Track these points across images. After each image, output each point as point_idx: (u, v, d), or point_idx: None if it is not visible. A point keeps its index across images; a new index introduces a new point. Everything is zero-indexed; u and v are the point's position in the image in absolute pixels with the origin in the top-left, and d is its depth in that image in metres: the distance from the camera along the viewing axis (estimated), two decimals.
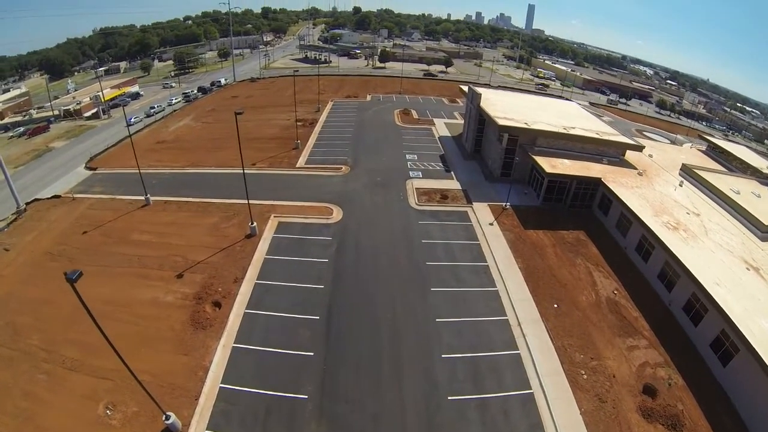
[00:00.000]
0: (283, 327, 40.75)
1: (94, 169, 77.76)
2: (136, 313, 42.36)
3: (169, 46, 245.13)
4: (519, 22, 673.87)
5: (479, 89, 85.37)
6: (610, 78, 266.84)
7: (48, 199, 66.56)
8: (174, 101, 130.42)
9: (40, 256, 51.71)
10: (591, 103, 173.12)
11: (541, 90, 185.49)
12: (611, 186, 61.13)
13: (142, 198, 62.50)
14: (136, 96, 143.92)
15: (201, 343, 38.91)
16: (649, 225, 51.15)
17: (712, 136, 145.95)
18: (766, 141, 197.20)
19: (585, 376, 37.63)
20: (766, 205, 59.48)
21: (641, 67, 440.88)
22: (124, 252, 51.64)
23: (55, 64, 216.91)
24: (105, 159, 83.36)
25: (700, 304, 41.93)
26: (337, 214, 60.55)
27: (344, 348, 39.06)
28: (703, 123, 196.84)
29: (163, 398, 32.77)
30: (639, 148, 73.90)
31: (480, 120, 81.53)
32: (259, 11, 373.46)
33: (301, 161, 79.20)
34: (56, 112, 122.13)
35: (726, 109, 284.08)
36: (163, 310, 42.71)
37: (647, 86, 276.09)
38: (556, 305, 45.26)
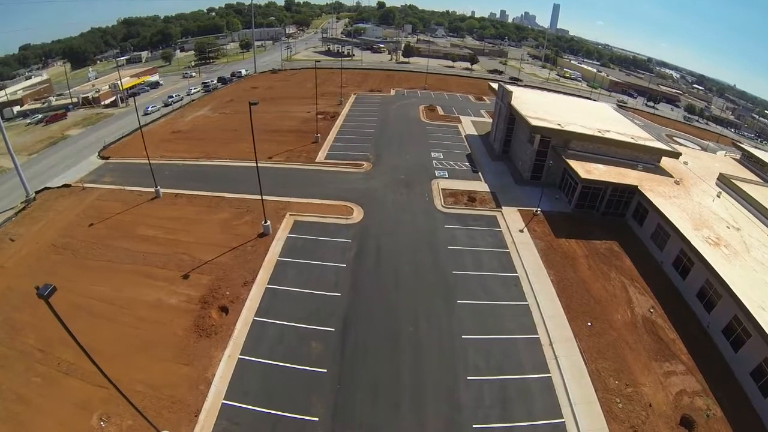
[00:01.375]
0: (295, 338, 37.38)
1: (107, 158, 75.49)
2: (137, 315, 39.53)
3: (191, 36, 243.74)
4: (543, 21, 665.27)
5: (510, 87, 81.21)
6: (637, 81, 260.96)
7: (58, 188, 64.37)
8: (193, 91, 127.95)
9: (45, 248, 49.35)
10: (619, 106, 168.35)
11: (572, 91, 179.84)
12: (649, 195, 57.52)
13: (152, 190, 59.81)
14: (155, 85, 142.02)
15: (204, 353, 35.77)
16: (690, 240, 47.55)
17: (746, 144, 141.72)
18: None
19: (620, 405, 34.41)
20: None
21: (667, 70, 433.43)
22: (129, 247, 48.91)
23: (78, 52, 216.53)
24: (119, 148, 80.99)
25: (742, 329, 38.59)
26: (357, 215, 57.08)
27: (361, 365, 35.57)
28: (732, 130, 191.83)
29: (161, 412, 30.31)
30: (676, 155, 69.81)
31: (510, 119, 77.72)
32: (282, 4, 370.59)
33: (320, 156, 75.82)
34: (74, 100, 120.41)
35: (755, 116, 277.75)
36: (166, 314, 39.66)
37: (675, 90, 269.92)
38: (590, 323, 41.94)
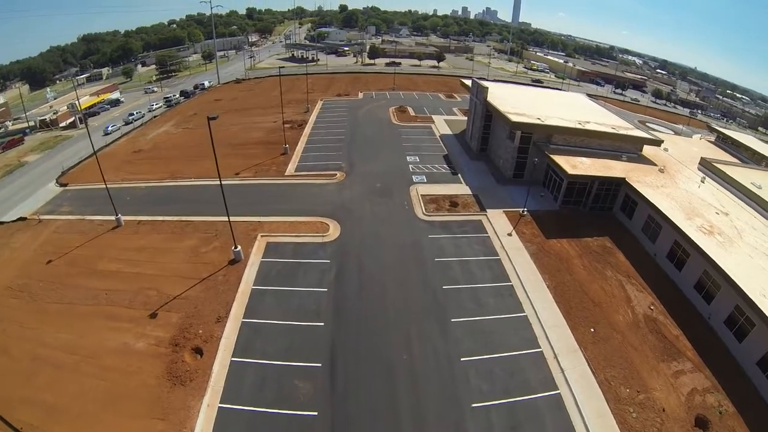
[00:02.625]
0: (278, 379, 33.61)
1: (66, 185, 70.53)
2: (103, 364, 35.21)
3: (152, 50, 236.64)
4: (505, 15, 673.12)
5: (485, 83, 78.31)
6: (603, 69, 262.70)
7: (13, 222, 59.32)
8: (155, 106, 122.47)
9: (1, 292, 44.62)
10: (588, 95, 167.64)
11: (538, 84, 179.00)
12: (637, 186, 55.89)
13: (113, 218, 55.25)
14: (116, 103, 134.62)
15: (181, 403, 31.77)
16: (684, 231, 46.41)
17: (715, 124, 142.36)
18: (760, 128, 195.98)
19: (634, 415, 32.63)
20: None
21: (630, 57, 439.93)
22: (90, 285, 44.38)
23: (37, 72, 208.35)
24: (78, 173, 75.73)
25: (745, 318, 37.80)
26: (334, 231, 53.32)
27: (354, 403, 32.06)
28: (699, 111, 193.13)
29: None
30: (658, 143, 68.75)
31: (486, 116, 75.04)
32: (244, 12, 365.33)
33: (290, 168, 71.76)
34: (32, 123, 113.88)
35: (719, 96, 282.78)
36: (134, 361, 35.45)
37: (640, 76, 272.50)
38: (592, 329, 39.91)
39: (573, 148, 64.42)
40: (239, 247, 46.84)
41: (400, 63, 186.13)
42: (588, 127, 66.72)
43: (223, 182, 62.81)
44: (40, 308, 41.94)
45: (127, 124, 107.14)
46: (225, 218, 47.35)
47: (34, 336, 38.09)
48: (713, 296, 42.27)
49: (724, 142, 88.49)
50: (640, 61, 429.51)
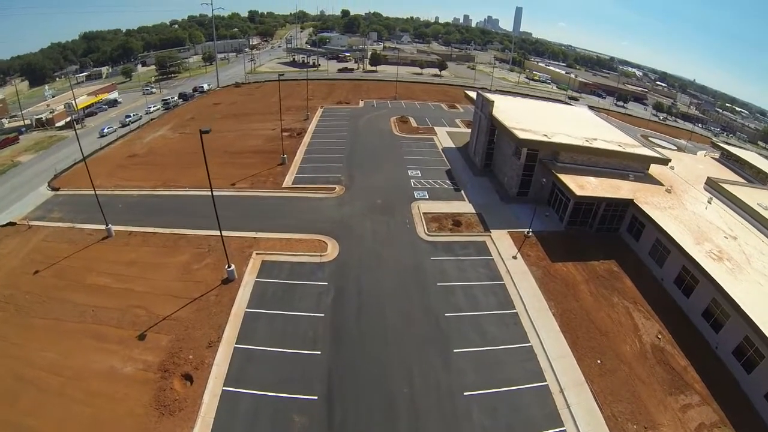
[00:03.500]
0: (273, 412, 31.67)
1: (57, 189, 68.48)
2: (88, 388, 33.29)
3: (153, 50, 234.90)
4: (506, 24, 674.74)
5: (490, 96, 76.34)
6: (604, 80, 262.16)
7: (2, 226, 57.38)
8: (152, 109, 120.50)
9: None
10: (591, 107, 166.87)
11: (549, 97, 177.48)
12: (645, 208, 54.45)
13: (104, 228, 53.22)
14: (113, 103, 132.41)
15: None
16: (694, 257, 44.99)
17: (716, 139, 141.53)
18: (759, 142, 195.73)
19: None
20: None
21: (630, 68, 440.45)
22: (78, 300, 42.40)
23: (37, 69, 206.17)
24: (71, 176, 73.69)
25: (755, 350, 36.86)
26: (332, 250, 51.11)
27: None
28: (699, 125, 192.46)
29: None
30: (665, 162, 67.18)
31: (491, 131, 73.16)
32: (246, 15, 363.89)
33: (287, 180, 69.48)
34: (27, 122, 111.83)
35: (718, 110, 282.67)
36: (121, 387, 33.47)
37: (641, 88, 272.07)
38: (599, 360, 38.35)
39: (580, 166, 62.83)
40: (233, 267, 44.73)
41: (352, 70, 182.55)
42: (595, 144, 65.14)
43: (218, 193, 60.98)
44: (26, 323, 40.07)
45: (123, 126, 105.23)
46: (219, 233, 45.38)
47: (19, 353, 36.35)
48: (722, 325, 40.97)
49: (728, 159, 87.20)
50: (640, 73, 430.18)
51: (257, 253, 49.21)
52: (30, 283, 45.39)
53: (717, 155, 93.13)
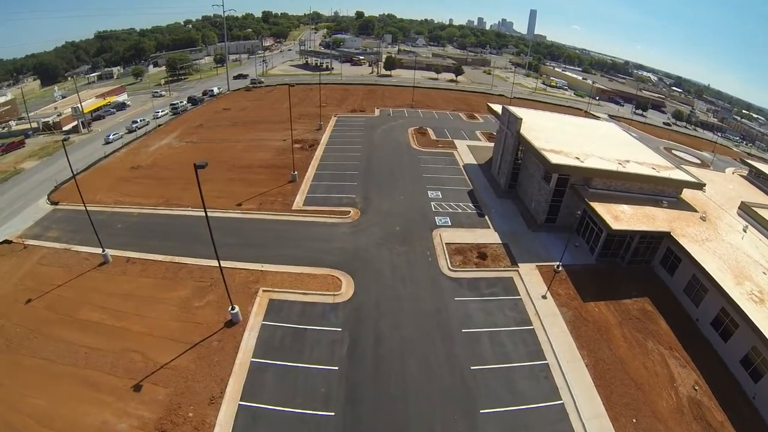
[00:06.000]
0: None
1: (57, 203, 65.40)
2: None
3: (165, 50, 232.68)
4: (520, 27, 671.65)
5: (518, 112, 71.50)
6: (621, 86, 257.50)
7: None
8: (160, 114, 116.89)
9: None
10: (610, 116, 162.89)
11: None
12: (683, 243, 50.58)
13: (100, 252, 49.65)
14: (122, 106, 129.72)
15: None
16: (735, 299, 41.77)
17: (734, 146, 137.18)
18: None
19: None
20: None
21: (645, 73, 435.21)
22: (70, 338, 38.99)
23: (49, 68, 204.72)
24: (72, 189, 68.93)
25: None
26: (347, 288, 46.77)
27: None
28: (718, 134, 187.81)
29: None
30: (700, 186, 63.03)
31: (517, 149, 69.03)
32: (260, 15, 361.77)
33: (298, 200, 65.17)
34: (35, 125, 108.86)
35: (736, 117, 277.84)
36: None
37: (658, 95, 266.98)
38: (634, 419, 35.16)
39: (612, 192, 58.80)
40: (237, 309, 40.57)
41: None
42: (629, 168, 61.01)
43: (222, 215, 58.02)
44: (15, 360, 37.04)
45: (129, 132, 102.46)
46: (223, 262, 41.22)
47: (6, 396, 33.52)
48: (762, 375, 38.32)
49: (757, 177, 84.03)
50: (655, 78, 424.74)
51: (264, 290, 45.19)
52: (21, 314, 42.38)
53: (745, 172, 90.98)
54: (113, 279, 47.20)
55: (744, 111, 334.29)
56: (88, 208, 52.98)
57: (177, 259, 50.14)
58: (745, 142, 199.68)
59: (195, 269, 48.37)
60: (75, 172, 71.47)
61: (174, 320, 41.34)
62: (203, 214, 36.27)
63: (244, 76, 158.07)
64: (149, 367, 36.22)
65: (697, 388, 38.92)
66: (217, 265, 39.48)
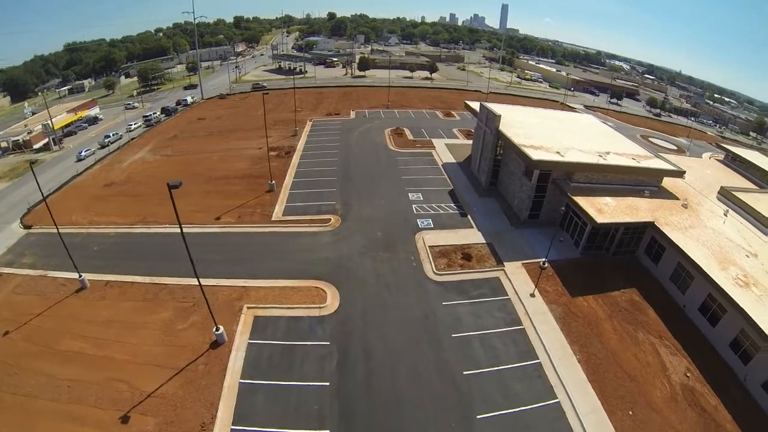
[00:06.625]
0: None
1: (30, 226, 62.80)
2: None
3: (136, 60, 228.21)
4: (493, 22, 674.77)
5: (496, 108, 70.63)
6: (595, 77, 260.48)
7: None
8: (133, 126, 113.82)
9: None
10: (585, 106, 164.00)
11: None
12: (666, 231, 51.47)
13: (77, 277, 47.80)
14: (94, 121, 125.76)
15: None
16: (721, 285, 42.66)
17: (728, 142, 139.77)
18: (751, 133, 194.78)
19: None
20: None
21: (618, 62, 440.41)
22: (51, 372, 37.12)
23: (18, 83, 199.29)
24: (45, 210, 67.19)
25: None
26: (332, 299, 45.65)
27: None
28: (692, 119, 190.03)
29: None
30: (680, 174, 63.47)
31: (497, 146, 68.64)
32: (231, 21, 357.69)
33: (277, 210, 63.64)
34: (4, 144, 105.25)
35: (709, 102, 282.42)
36: None
37: (632, 83, 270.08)
38: (630, 412, 35.44)
39: (594, 185, 58.89)
40: (221, 329, 39.33)
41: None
42: (609, 159, 61.30)
43: (201, 230, 56.49)
44: None
45: (102, 147, 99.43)
46: (204, 281, 40.00)
47: None
48: (751, 357, 39.28)
49: (733, 161, 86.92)
50: (628, 66, 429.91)
51: (248, 307, 43.84)
52: (0, 348, 40.31)
53: (722, 156, 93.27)
54: (92, 305, 45.39)
55: (716, 95, 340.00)
56: (63, 231, 51.47)
57: (157, 279, 48.52)
58: (718, 126, 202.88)
59: (176, 289, 46.83)
60: (48, 193, 70.31)
61: (158, 345, 39.84)
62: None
63: (224, 96, 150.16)
64: (136, 396, 34.80)
65: (689, 374, 39.46)
66: (197, 284, 38.35)
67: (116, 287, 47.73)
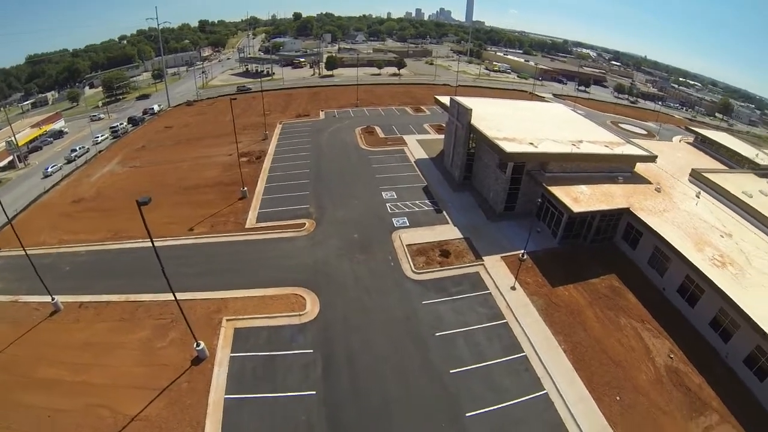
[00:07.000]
0: None
1: None
2: None
3: (101, 70, 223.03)
4: (459, 15, 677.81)
5: (467, 102, 70.16)
6: (563, 65, 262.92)
7: None
8: (99, 138, 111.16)
9: None
10: (554, 95, 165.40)
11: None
12: (642, 216, 52.37)
13: (50, 300, 45.80)
14: (59, 134, 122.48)
15: None
16: (698, 267, 43.60)
17: (696, 124, 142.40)
18: (717, 114, 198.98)
19: None
20: None
21: (584, 50, 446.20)
22: (30, 402, 35.27)
23: None
24: (12, 232, 65.17)
25: (767, 358, 36.68)
26: (311, 306, 44.58)
27: None
28: (659, 103, 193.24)
29: None
30: (652, 159, 64.79)
31: (469, 140, 68.34)
32: (196, 25, 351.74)
33: (251, 217, 62.05)
34: None
35: (674, 86, 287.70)
36: None
37: (599, 70, 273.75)
38: (618, 397, 35.94)
39: (569, 174, 59.23)
40: (202, 344, 38.09)
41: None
42: (583, 148, 61.75)
43: (174, 243, 55.05)
44: None
45: (69, 162, 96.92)
46: (181, 295, 38.68)
47: None
48: (731, 334, 40.38)
49: (703, 143, 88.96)
50: (594, 54, 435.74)
51: (228, 319, 42.58)
52: None
53: (691, 139, 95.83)
54: (67, 328, 43.45)
55: (681, 79, 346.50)
56: (32, 252, 49.92)
57: (132, 297, 46.81)
58: (684, 109, 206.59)
59: (153, 306, 45.19)
60: (15, 212, 68.05)
61: (138, 365, 38.38)
62: (156, 244, 33.75)
63: (191, 103, 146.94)
64: (119, 421, 33.38)
65: (672, 356, 40.27)
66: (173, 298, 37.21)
67: (91, 308, 45.88)
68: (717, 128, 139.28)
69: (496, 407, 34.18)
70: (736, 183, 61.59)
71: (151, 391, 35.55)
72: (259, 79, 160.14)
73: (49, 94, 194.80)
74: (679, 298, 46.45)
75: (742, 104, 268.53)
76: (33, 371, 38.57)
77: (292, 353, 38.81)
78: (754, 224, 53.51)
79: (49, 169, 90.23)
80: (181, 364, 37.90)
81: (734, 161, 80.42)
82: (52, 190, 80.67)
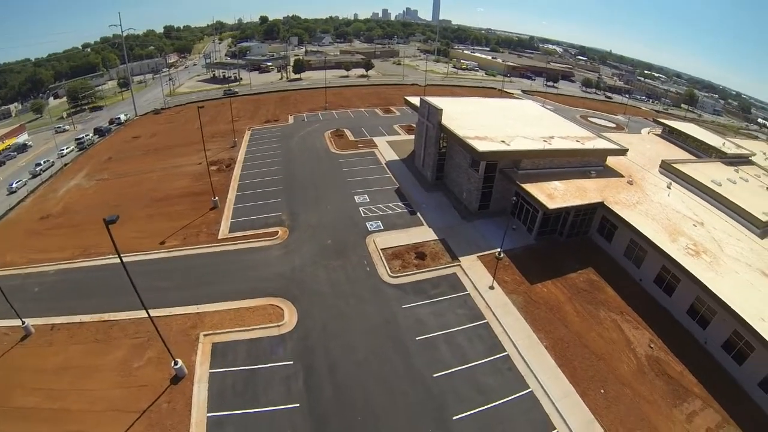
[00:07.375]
0: None
1: None
2: None
3: (65, 79, 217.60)
4: (425, 14, 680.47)
5: (437, 102, 69.92)
6: (530, 62, 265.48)
7: None
8: (65, 151, 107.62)
9: None
10: (523, 91, 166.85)
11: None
12: (616, 210, 53.28)
13: (20, 324, 43.60)
14: (23, 148, 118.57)
15: None
16: (674, 257, 44.86)
17: (666, 116, 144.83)
18: (683, 105, 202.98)
19: None
20: (745, 192, 60.15)
21: (551, 46, 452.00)
22: None
23: None
24: None
25: (744, 342, 38.04)
26: (290, 316, 43.61)
27: None
28: (626, 95, 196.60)
29: None
30: (623, 152, 65.88)
31: (440, 140, 68.22)
32: (162, 31, 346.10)
33: (223, 228, 60.27)
34: None
35: (641, 78, 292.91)
36: None
37: (566, 65, 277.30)
38: (602, 390, 36.54)
39: (542, 170, 59.69)
40: (180, 362, 36.85)
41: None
42: (554, 143, 62.20)
43: (146, 257, 53.89)
44: None
45: (34, 176, 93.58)
46: (155, 311, 37.87)
47: None
48: (708, 321, 41.55)
49: (671, 134, 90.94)
50: (560, 49, 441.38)
51: (205, 334, 41.23)
52: None
53: (659, 131, 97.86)
54: (40, 353, 41.44)
55: (646, 72, 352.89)
56: (3, 273, 48.20)
57: (106, 316, 44.93)
58: (651, 100, 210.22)
59: (128, 324, 43.48)
60: None
61: (115, 387, 36.81)
62: (126, 259, 32.58)
63: (159, 111, 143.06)
64: None
65: (652, 345, 41.20)
66: (151, 314, 35.86)
67: (63, 330, 43.86)
68: (684, 119, 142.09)
69: (482, 408, 34.15)
70: (705, 172, 63.04)
71: (131, 413, 34.21)
72: (227, 85, 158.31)
73: (11, 106, 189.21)
74: (656, 288, 47.38)
75: (706, 95, 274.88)
76: (8, 400, 36.70)
77: (273, 366, 37.93)
78: (724, 212, 55.11)
79: (14, 185, 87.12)
80: (159, 384, 36.55)
81: (702, 151, 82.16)
82: (18, 207, 77.68)
